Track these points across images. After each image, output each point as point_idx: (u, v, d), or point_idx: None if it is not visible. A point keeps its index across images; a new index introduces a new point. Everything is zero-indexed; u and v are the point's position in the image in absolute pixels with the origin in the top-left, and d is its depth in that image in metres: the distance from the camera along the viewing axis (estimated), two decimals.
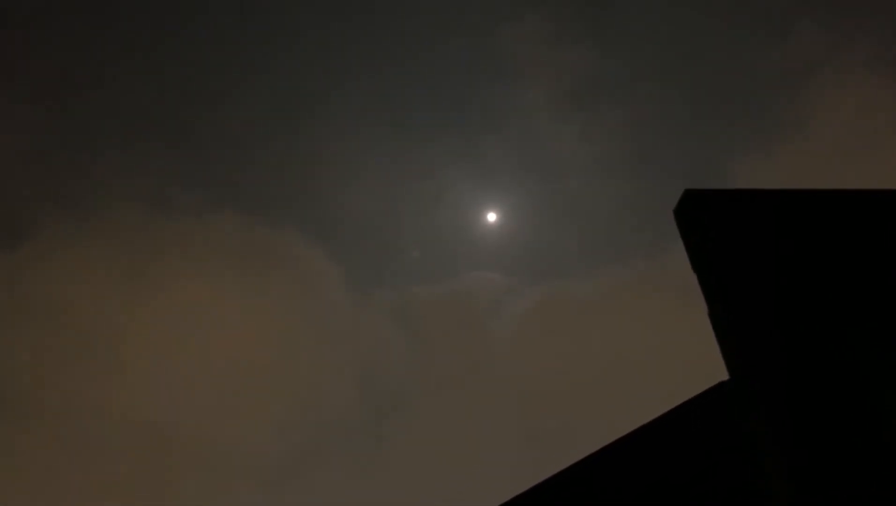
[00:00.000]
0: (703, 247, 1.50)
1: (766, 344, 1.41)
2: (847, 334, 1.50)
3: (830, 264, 1.58)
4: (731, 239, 1.54)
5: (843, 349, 1.48)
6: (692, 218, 1.53)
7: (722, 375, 2.50)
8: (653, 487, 2.81)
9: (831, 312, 1.50)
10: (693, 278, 1.67)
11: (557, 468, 2.93)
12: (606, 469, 2.98)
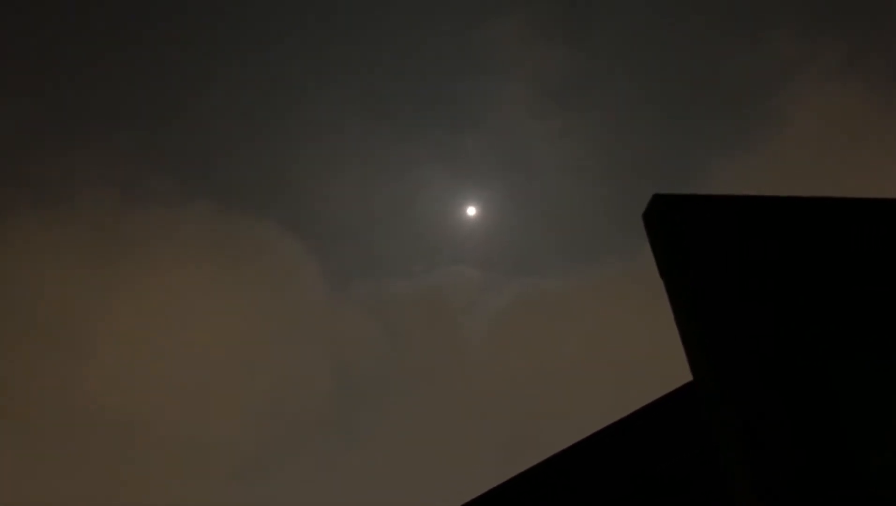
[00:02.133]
0: (670, 253, 1.47)
1: (731, 352, 1.39)
2: (815, 343, 1.48)
3: (799, 271, 1.56)
4: (699, 245, 1.52)
5: (811, 358, 1.46)
6: (660, 223, 1.51)
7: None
8: (622, 484, 2.80)
9: (800, 320, 1.48)
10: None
11: (528, 465, 2.92)
12: (570, 468, 2.97)
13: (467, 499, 2.99)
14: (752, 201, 1.60)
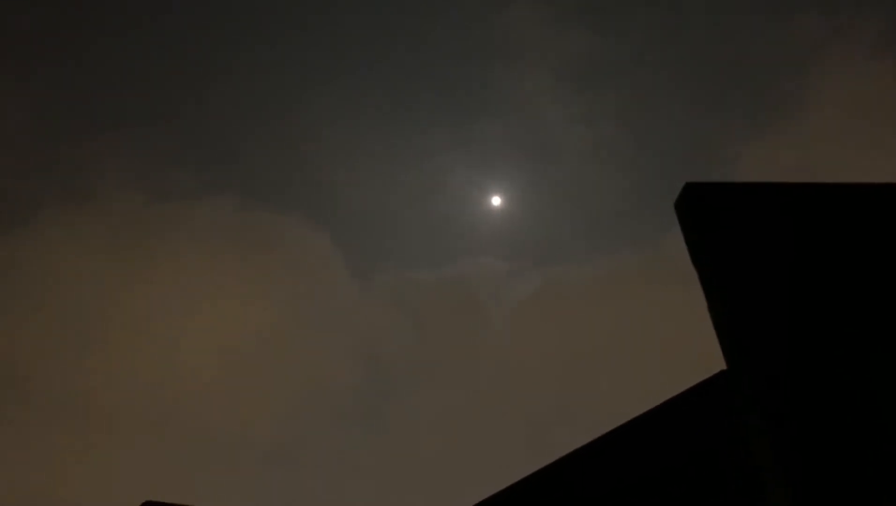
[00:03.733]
0: (704, 242, 1.46)
1: (767, 343, 1.37)
2: (852, 335, 1.46)
3: (836, 260, 1.54)
4: (733, 234, 1.50)
5: (847, 350, 1.44)
6: (693, 212, 1.49)
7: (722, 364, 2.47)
8: (647, 479, 2.79)
9: (836, 310, 1.46)
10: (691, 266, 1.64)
11: (553, 457, 2.91)
12: (600, 460, 2.96)
13: (494, 489, 3.00)
14: (784, 188, 1.57)
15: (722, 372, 2.76)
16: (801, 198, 1.59)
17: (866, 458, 1.39)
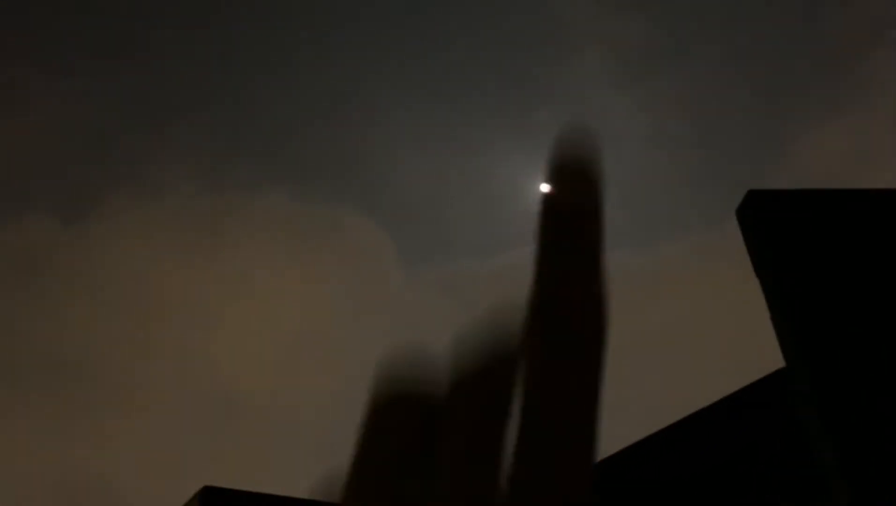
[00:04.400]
0: (767, 251, 1.45)
1: (831, 354, 1.37)
2: None
3: None
4: (795, 242, 1.49)
5: None
6: (755, 220, 1.49)
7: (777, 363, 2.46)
8: (699, 476, 2.79)
9: None
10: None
11: (610, 451, 2.92)
12: (655, 454, 2.96)
13: None
14: (852, 195, 1.56)
15: (779, 370, 2.73)
16: (871, 205, 1.57)
17: None
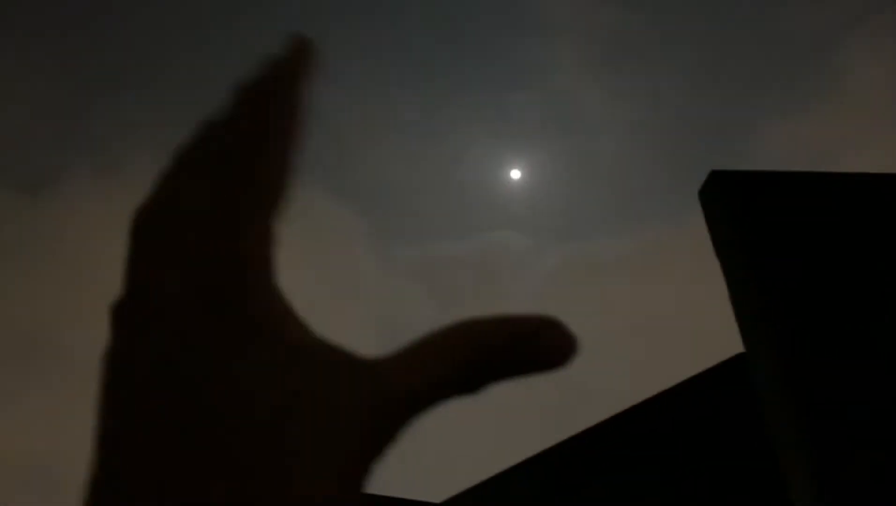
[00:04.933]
0: (728, 233, 1.43)
1: (791, 337, 1.35)
2: (882, 335, 1.44)
3: (866, 256, 1.51)
4: (758, 224, 1.47)
5: (877, 353, 1.42)
6: (717, 201, 1.47)
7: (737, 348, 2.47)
8: (660, 458, 2.79)
9: (865, 308, 1.44)
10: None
11: (567, 435, 2.91)
12: (612, 439, 2.96)
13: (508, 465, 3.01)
14: (817, 178, 1.54)
15: (740, 354, 2.74)
16: (834, 188, 1.56)
17: (890, 438, 1.37)
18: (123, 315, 0.21)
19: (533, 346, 0.22)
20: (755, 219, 1.44)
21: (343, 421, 0.19)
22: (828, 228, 1.46)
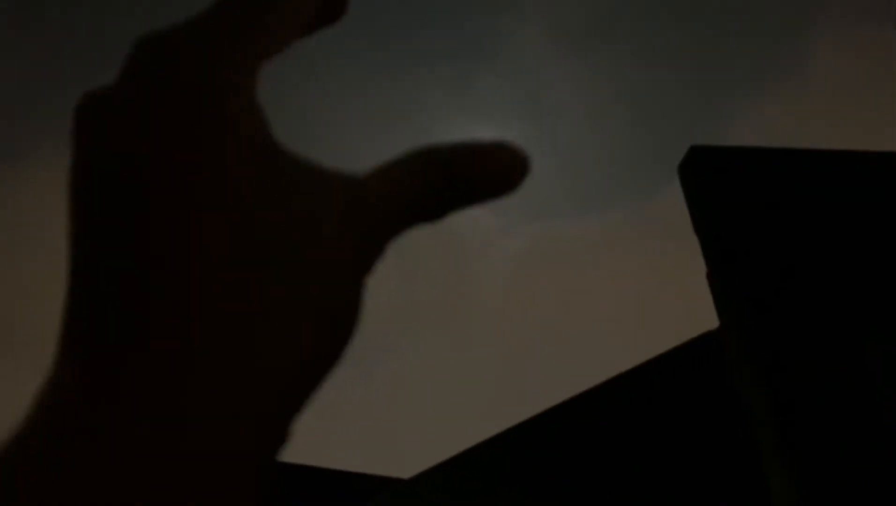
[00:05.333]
0: (707, 207, 1.43)
1: (767, 311, 1.36)
2: (857, 311, 1.45)
3: (845, 232, 1.52)
4: (737, 199, 1.47)
5: (852, 329, 1.43)
6: (697, 176, 1.46)
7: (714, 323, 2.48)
8: (632, 436, 2.82)
9: (841, 284, 1.45)
10: (687, 226, 1.62)
11: (533, 413, 2.93)
12: (579, 418, 2.98)
13: (467, 445, 3.02)
14: (798, 155, 1.55)
15: (712, 331, 2.77)
16: (814, 164, 1.57)
17: (860, 419, 1.39)
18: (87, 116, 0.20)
19: (489, 167, 0.22)
20: (735, 193, 1.44)
21: (324, 235, 0.19)
22: (815, 206, 1.47)
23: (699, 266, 1.68)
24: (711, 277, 1.41)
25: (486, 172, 0.22)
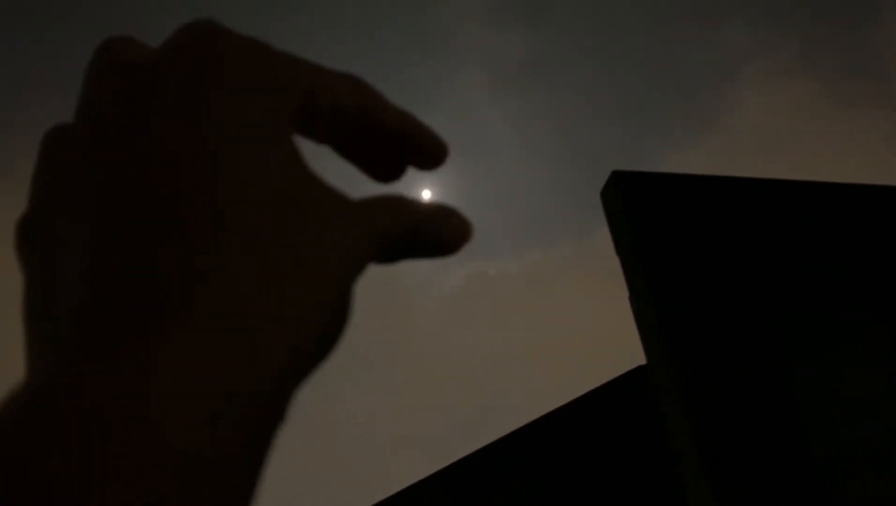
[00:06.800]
0: (628, 230, 1.41)
1: (688, 336, 1.34)
2: (777, 331, 1.44)
3: (763, 254, 1.52)
4: (659, 225, 1.46)
5: (772, 347, 1.42)
6: (618, 200, 1.45)
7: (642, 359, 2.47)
8: (561, 472, 2.78)
9: (761, 305, 1.44)
10: (617, 264, 1.60)
11: (470, 450, 2.88)
12: (514, 453, 2.93)
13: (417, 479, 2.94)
14: (714, 181, 1.55)
15: (640, 367, 2.76)
16: (732, 191, 1.57)
17: (789, 450, 1.37)
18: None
19: (436, 229, 0.24)
20: (657, 219, 1.43)
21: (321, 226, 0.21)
22: (732, 231, 1.47)
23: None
24: (632, 300, 1.39)
25: (444, 235, 0.24)
